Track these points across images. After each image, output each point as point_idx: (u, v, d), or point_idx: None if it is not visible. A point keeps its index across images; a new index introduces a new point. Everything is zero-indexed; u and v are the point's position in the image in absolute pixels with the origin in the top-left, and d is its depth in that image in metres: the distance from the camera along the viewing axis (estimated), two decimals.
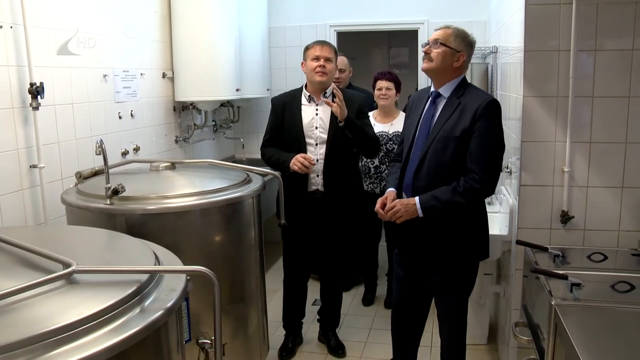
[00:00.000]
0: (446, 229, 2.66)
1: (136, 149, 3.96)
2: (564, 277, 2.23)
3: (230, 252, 2.89)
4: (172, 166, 3.11)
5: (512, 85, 3.31)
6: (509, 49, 3.54)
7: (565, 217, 2.86)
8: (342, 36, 5.81)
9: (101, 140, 2.64)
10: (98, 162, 3.04)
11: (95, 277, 1.60)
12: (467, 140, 2.57)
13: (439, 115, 2.67)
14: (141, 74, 4.04)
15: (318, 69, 3.32)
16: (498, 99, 3.76)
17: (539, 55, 2.80)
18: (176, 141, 4.62)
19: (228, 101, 5.06)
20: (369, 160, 4.18)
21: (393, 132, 4.11)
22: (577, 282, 2.19)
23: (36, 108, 2.93)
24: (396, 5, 5.47)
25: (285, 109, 3.46)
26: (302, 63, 3.45)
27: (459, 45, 2.64)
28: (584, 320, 1.96)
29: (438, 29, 2.69)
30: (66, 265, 1.57)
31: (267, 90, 5.31)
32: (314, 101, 3.43)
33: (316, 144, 3.39)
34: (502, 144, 2.65)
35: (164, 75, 4.38)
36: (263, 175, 3.21)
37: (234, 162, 4.91)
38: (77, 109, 3.35)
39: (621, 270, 2.49)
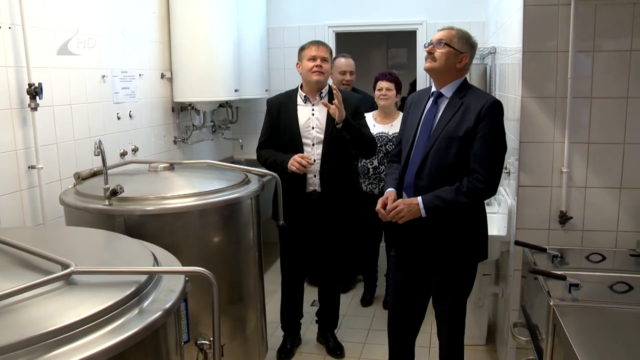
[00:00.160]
0: (446, 229, 2.66)
1: (135, 150, 3.96)
2: (563, 278, 2.24)
3: (228, 253, 2.89)
4: (171, 167, 3.11)
5: (511, 86, 3.31)
6: (507, 49, 3.54)
7: (564, 218, 2.86)
8: (341, 37, 5.81)
9: (100, 141, 2.64)
10: (97, 163, 3.03)
11: (93, 278, 1.59)
12: (470, 141, 2.57)
13: (441, 115, 2.66)
14: (140, 75, 4.04)
15: (315, 69, 3.33)
16: None
17: (537, 56, 2.80)
18: (175, 142, 4.62)
19: (227, 102, 5.06)
20: (367, 160, 4.18)
21: (393, 133, 4.11)
22: (575, 283, 2.19)
23: (34, 109, 2.93)
24: (395, 5, 5.47)
25: (281, 110, 3.45)
26: (297, 64, 3.45)
27: (463, 46, 2.64)
28: (582, 321, 1.96)
29: (441, 30, 2.68)
30: (65, 266, 1.57)
31: (266, 90, 5.31)
32: (310, 101, 3.43)
33: (313, 144, 3.39)
34: (505, 145, 2.66)
35: (162, 76, 4.38)
36: (261, 176, 3.21)
37: (232, 162, 4.91)
38: (76, 110, 3.35)
39: (619, 270, 2.49)
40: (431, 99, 2.74)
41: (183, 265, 1.95)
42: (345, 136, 3.29)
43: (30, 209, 2.99)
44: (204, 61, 4.41)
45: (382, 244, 4.56)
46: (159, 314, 1.51)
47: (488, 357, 3.64)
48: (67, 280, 1.55)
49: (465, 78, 2.73)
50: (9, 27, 2.83)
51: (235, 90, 4.67)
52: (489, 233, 2.82)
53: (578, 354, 1.68)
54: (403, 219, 2.64)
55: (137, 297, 1.53)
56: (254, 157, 3.65)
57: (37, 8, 3.02)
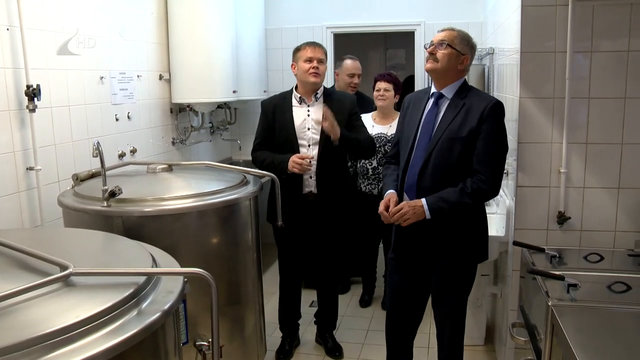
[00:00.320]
0: (446, 230, 2.66)
1: (133, 151, 3.96)
2: (561, 278, 2.24)
3: (227, 254, 2.89)
4: (169, 168, 3.11)
5: (509, 86, 3.32)
6: (505, 50, 3.55)
7: (562, 218, 2.87)
8: (339, 38, 5.82)
9: (98, 142, 2.64)
10: (95, 164, 3.03)
11: (92, 280, 1.59)
12: (473, 141, 2.57)
13: (442, 116, 2.66)
14: (138, 76, 4.04)
15: (312, 70, 3.33)
16: None
17: (535, 57, 2.81)
18: (173, 143, 4.62)
19: (225, 103, 5.06)
20: (367, 161, 4.18)
21: (391, 134, 4.10)
22: (573, 283, 2.20)
23: (33, 110, 2.93)
24: (393, 6, 5.48)
25: (276, 111, 3.45)
26: (292, 65, 3.44)
27: (464, 48, 2.65)
28: (580, 321, 1.96)
29: (442, 30, 2.68)
30: (63, 267, 1.57)
31: (264, 91, 5.31)
32: (305, 102, 3.42)
33: (309, 145, 3.39)
34: (507, 146, 2.66)
35: (160, 77, 4.38)
36: (260, 177, 3.21)
37: (231, 163, 4.91)
38: (74, 111, 3.34)
39: (617, 270, 2.50)
40: (431, 100, 2.73)
41: (182, 266, 1.95)
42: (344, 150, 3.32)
43: (28, 211, 2.99)
44: (202, 62, 4.41)
45: (381, 245, 4.56)
46: (157, 315, 1.51)
47: (487, 357, 3.64)
48: (66, 282, 1.55)
49: (465, 79, 2.73)
50: (7, 29, 2.83)
51: (234, 92, 4.67)
52: (488, 233, 2.82)
53: (576, 354, 1.68)
54: (408, 221, 2.63)
55: (135, 298, 1.53)
56: None
57: (35, 9, 3.02)
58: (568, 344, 1.76)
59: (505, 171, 3.28)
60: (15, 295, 1.41)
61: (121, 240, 2.14)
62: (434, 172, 2.63)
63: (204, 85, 4.45)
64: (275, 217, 3.22)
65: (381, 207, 2.73)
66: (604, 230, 2.85)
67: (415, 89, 5.32)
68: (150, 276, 1.67)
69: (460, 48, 2.63)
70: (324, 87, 3.48)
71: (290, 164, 3.26)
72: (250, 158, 3.58)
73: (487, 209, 2.88)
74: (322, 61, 3.37)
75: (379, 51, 8.10)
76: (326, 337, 3.78)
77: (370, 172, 4.17)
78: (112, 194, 2.56)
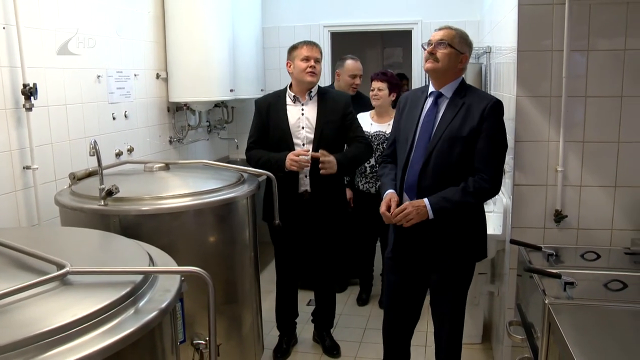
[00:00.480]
0: (445, 229, 2.66)
1: (130, 150, 3.96)
2: (558, 276, 2.24)
3: (224, 253, 2.89)
4: (166, 167, 3.10)
5: (506, 85, 3.32)
6: (502, 49, 3.55)
7: (559, 217, 2.87)
8: (336, 36, 5.81)
9: (95, 141, 2.63)
10: (92, 163, 3.03)
11: (89, 278, 1.59)
12: (473, 140, 2.58)
13: (442, 115, 2.66)
14: (135, 75, 4.03)
15: (309, 70, 3.33)
16: None
17: (532, 55, 2.81)
18: (170, 142, 4.61)
19: (222, 102, 5.06)
20: None
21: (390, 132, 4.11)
22: (570, 281, 2.20)
23: (29, 109, 2.92)
24: (390, 5, 5.48)
25: (270, 110, 3.44)
26: (287, 63, 3.43)
27: (463, 47, 2.65)
28: (577, 319, 1.96)
29: (440, 29, 2.67)
30: (60, 266, 1.56)
31: (262, 90, 5.30)
32: (300, 101, 3.42)
33: (303, 144, 3.38)
34: (507, 144, 2.67)
35: (157, 76, 4.37)
36: (257, 175, 3.21)
37: (228, 162, 4.90)
38: (71, 110, 3.34)
39: (614, 268, 2.51)
40: (430, 99, 2.73)
41: (179, 265, 1.95)
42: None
43: (25, 210, 2.98)
44: (199, 61, 4.41)
45: (378, 243, 4.56)
46: (154, 313, 1.50)
47: (484, 355, 3.65)
48: (63, 281, 1.55)
49: (463, 77, 2.74)
50: (3, 27, 2.83)
51: (231, 90, 4.67)
52: None
53: (573, 352, 1.69)
54: (411, 221, 2.62)
55: (132, 297, 1.53)
56: None
57: (32, 8, 3.01)
58: (565, 342, 1.76)
59: (503, 170, 3.29)
60: (12, 294, 1.41)
61: (118, 239, 2.14)
62: (435, 172, 2.62)
63: (201, 84, 4.45)
64: (271, 216, 3.21)
65: (383, 208, 2.71)
66: (601, 229, 2.85)
67: (412, 87, 5.33)
68: (147, 275, 1.67)
69: (459, 47, 2.63)
70: (318, 85, 3.48)
71: (288, 162, 3.25)
72: None
73: (485, 208, 2.89)
74: (318, 60, 3.37)
75: (377, 50, 8.10)
76: (324, 336, 3.78)
77: (368, 171, 4.17)
78: (109, 193, 2.55)
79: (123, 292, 1.50)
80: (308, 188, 3.41)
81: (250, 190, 2.97)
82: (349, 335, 3.98)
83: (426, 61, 2.67)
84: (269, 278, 4.36)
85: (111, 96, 3.75)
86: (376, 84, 4.13)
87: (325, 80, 5.28)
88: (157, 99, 4.39)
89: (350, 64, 4.42)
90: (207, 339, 1.77)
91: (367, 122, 4.18)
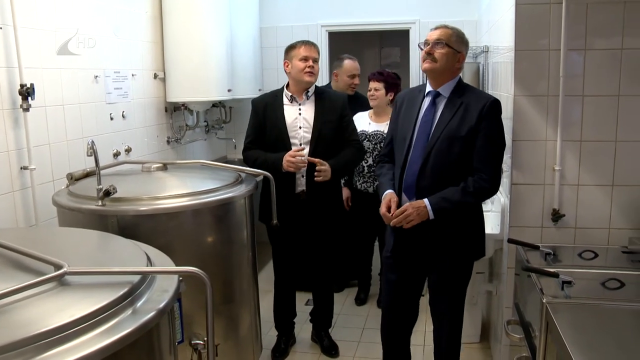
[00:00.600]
0: (444, 228, 2.66)
1: (128, 150, 3.95)
2: (555, 275, 2.25)
3: (222, 253, 2.89)
4: (164, 167, 3.10)
5: (503, 84, 3.33)
6: (499, 48, 3.56)
7: (556, 216, 2.87)
8: (334, 36, 5.81)
9: (92, 141, 2.63)
10: (89, 164, 3.02)
11: (87, 279, 1.59)
12: (472, 140, 2.58)
13: (440, 115, 2.65)
14: (132, 75, 4.03)
15: (307, 70, 3.32)
16: None
17: (529, 55, 2.81)
18: (168, 142, 4.61)
19: (220, 102, 5.05)
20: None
21: None
22: (568, 280, 2.20)
23: (27, 109, 2.91)
24: (388, 5, 5.48)
25: (267, 110, 3.43)
26: (285, 62, 3.42)
27: (460, 46, 2.65)
28: (574, 318, 1.96)
29: (436, 29, 2.67)
30: (57, 267, 1.56)
31: (259, 90, 5.29)
32: (297, 101, 3.42)
33: (300, 144, 3.38)
34: (505, 143, 2.68)
35: (155, 76, 4.37)
36: (255, 175, 3.21)
37: (226, 162, 4.91)
38: (68, 111, 3.34)
39: (611, 267, 2.51)
40: (428, 99, 2.73)
41: (177, 265, 1.94)
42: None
43: (22, 210, 2.98)
44: (197, 61, 4.41)
45: (376, 243, 4.56)
46: (152, 314, 1.50)
47: (482, 354, 3.65)
48: (60, 281, 1.55)
49: (460, 76, 2.74)
50: (0, 28, 2.82)
51: (229, 90, 4.67)
52: None
53: (571, 351, 1.69)
54: (412, 223, 2.62)
55: (130, 297, 1.53)
56: None
57: (29, 8, 3.01)
58: (562, 341, 1.77)
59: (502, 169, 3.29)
60: (10, 294, 1.41)
61: (116, 240, 2.14)
62: (433, 172, 2.62)
63: (198, 84, 4.44)
64: (268, 216, 3.21)
65: (383, 209, 2.71)
66: (598, 228, 2.86)
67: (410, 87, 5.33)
68: (145, 275, 1.66)
69: (456, 46, 2.63)
70: (315, 85, 3.47)
71: (285, 163, 3.25)
72: None
73: (483, 207, 2.89)
74: (316, 60, 3.37)
75: (374, 50, 8.09)
76: (322, 336, 3.78)
77: (366, 170, 4.17)
78: (107, 193, 2.55)
79: (121, 293, 1.50)
80: (304, 188, 3.40)
81: (248, 190, 2.97)
82: (348, 335, 3.98)
83: (424, 61, 2.66)
84: (267, 278, 4.36)
85: (109, 96, 3.75)
86: (373, 84, 4.13)
87: (322, 80, 5.28)
88: (154, 99, 4.39)
89: (349, 63, 4.41)
90: (205, 339, 1.77)
91: (366, 121, 4.19)
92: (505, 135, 3.07)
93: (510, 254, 2.98)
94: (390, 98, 4.13)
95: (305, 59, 3.33)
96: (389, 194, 2.74)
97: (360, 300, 4.55)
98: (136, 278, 1.61)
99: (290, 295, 3.72)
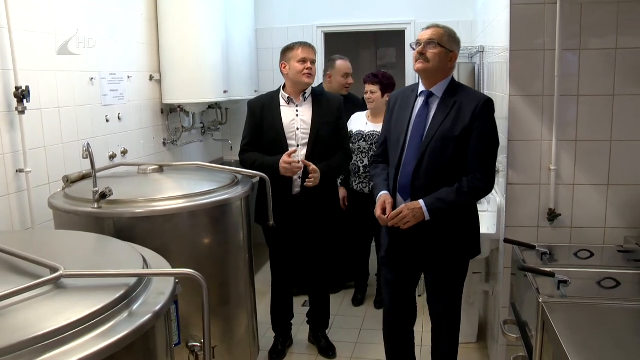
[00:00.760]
0: (439, 228, 2.66)
1: (124, 152, 3.95)
2: (551, 275, 2.25)
3: (219, 255, 2.88)
4: (160, 169, 3.10)
5: (499, 84, 3.33)
6: (495, 48, 3.56)
7: (552, 215, 2.88)
8: (329, 37, 5.82)
9: (88, 143, 2.63)
10: (85, 166, 3.02)
11: (83, 282, 1.59)
12: (466, 139, 2.58)
13: (434, 115, 2.65)
14: (128, 77, 4.02)
15: (306, 71, 3.32)
16: None
17: (524, 55, 2.82)
18: (164, 144, 4.60)
19: (216, 103, 5.05)
20: (358, 159, 4.18)
21: None
22: (564, 279, 2.21)
23: (22, 112, 2.91)
24: (383, 5, 5.48)
25: (264, 111, 3.42)
26: (282, 64, 3.41)
27: (452, 45, 2.65)
28: (571, 317, 1.97)
29: (427, 28, 2.67)
30: (53, 270, 1.56)
31: (255, 91, 5.29)
32: (294, 103, 3.42)
33: (297, 145, 3.37)
34: (499, 142, 2.68)
35: (151, 78, 4.37)
36: (251, 177, 3.20)
37: (222, 164, 4.91)
38: (64, 113, 3.33)
39: (607, 266, 2.52)
40: (421, 99, 2.73)
41: (173, 267, 1.94)
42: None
43: (18, 213, 2.97)
44: (193, 63, 4.40)
45: (373, 243, 4.56)
46: (148, 316, 1.50)
47: (479, 354, 3.66)
48: (56, 284, 1.55)
49: (453, 76, 2.74)
50: None
51: (225, 92, 4.67)
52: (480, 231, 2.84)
53: (567, 350, 1.69)
54: (408, 224, 2.62)
55: (126, 300, 1.53)
56: None
57: (24, 10, 3.00)
58: (559, 340, 1.77)
59: (496, 169, 3.30)
60: (5, 298, 1.41)
61: (112, 242, 2.13)
62: (428, 172, 2.62)
63: (194, 86, 4.44)
64: (264, 217, 3.21)
65: (378, 211, 2.71)
66: (594, 227, 2.87)
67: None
68: (141, 277, 1.66)
69: (448, 46, 2.63)
70: (312, 87, 3.48)
71: (282, 169, 3.25)
72: None
73: (479, 207, 2.90)
74: (314, 62, 3.38)
75: (370, 50, 8.09)
76: (319, 337, 3.78)
77: (362, 171, 4.17)
78: (103, 196, 2.55)
79: (117, 295, 1.50)
80: (301, 189, 3.40)
81: (244, 191, 2.96)
82: (345, 336, 3.98)
83: (416, 61, 2.66)
84: (264, 279, 4.36)
85: (104, 98, 3.74)
86: (368, 87, 4.13)
87: (318, 81, 5.28)
88: (150, 101, 4.38)
89: (341, 64, 4.41)
90: (202, 341, 1.77)
91: (363, 121, 4.19)
92: (501, 135, 3.07)
93: (506, 253, 2.99)
94: (387, 99, 4.14)
95: (304, 60, 3.32)
96: (383, 196, 2.74)
97: (358, 301, 4.55)
98: (132, 280, 1.61)
99: (287, 297, 3.72)
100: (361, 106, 4.34)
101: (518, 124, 2.87)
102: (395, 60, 7.75)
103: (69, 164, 3.31)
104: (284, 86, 3.46)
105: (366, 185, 4.18)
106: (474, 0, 5.12)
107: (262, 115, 3.42)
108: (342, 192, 4.22)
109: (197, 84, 4.44)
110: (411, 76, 5.51)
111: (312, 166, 3.27)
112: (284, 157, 3.25)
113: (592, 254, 2.66)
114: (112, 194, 2.56)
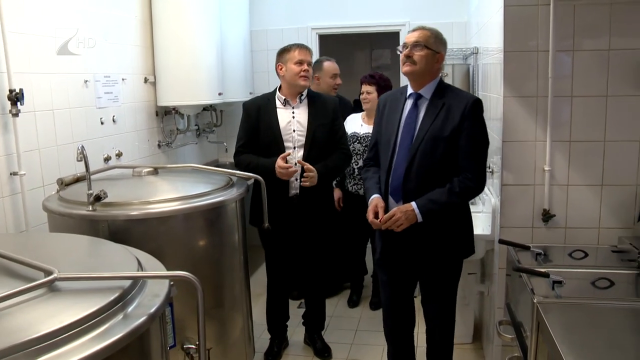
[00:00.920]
0: (432, 228, 2.66)
1: (118, 155, 3.94)
2: (546, 275, 2.26)
3: (214, 257, 2.88)
4: (155, 171, 3.10)
5: (493, 85, 3.34)
6: (489, 49, 3.57)
7: (547, 216, 2.89)
8: (324, 39, 5.82)
9: (82, 146, 2.62)
10: (80, 169, 3.01)
11: (77, 284, 1.58)
12: (455, 140, 2.59)
13: (423, 117, 2.66)
14: (122, 79, 4.02)
15: (303, 73, 3.32)
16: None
17: (518, 56, 2.83)
18: (159, 146, 4.60)
19: (211, 105, 5.04)
20: (353, 161, 4.18)
21: None
22: (558, 280, 2.22)
23: (16, 115, 2.90)
24: (377, 7, 5.49)
25: (260, 112, 3.42)
26: (278, 66, 3.40)
27: (438, 46, 2.66)
28: (565, 317, 1.98)
29: (413, 31, 2.68)
30: (48, 272, 1.56)
31: (250, 93, 5.29)
32: (290, 104, 3.42)
33: (294, 147, 3.38)
34: (488, 141, 2.70)
35: (145, 80, 4.36)
36: (246, 179, 3.20)
37: (217, 166, 4.89)
38: (58, 115, 3.32)
39: (601, 267, 2.52)
40: (409, 101, 2.73)
41: (168, 269, 1.94)
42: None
43: (12, 216, 2.96)
44: (187, 64, 4.40)
45: (369, 245, 4.56)
46: (143, 318, 1.50)
47: (474, 355, 3.66)
48: (51, 287, 1.54)
49: (441, 77, 2.75)
50: None
51: (219, 94, 4.66)
52: (474, 232, 2.84)
53: (561, 350, 1.70)
54: (401, 227, 2.62)
55: (121, 302, 1.53)
56: None
57: (18, 13, 2.99)
58: (553, 341, 1.78)
59: (490, 170, 3.31)
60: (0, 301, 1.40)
61: (107, 245, 2.13)
62: (419, 173, 2.63)
63: (189, 88, 4.43)
64: (259, 219, 3.20)
65: (370, 216, 2.71)
66: (588, 227, 2.88)
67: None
68: (135, 280, 1.66)
69: (435, 47, 2.64)
70: (308, 89, 3.48)
71: (278, 174, 3.25)
72: None
73: (473, 208, 2.91)
74: (310, 64, 3.38)
75: (365, 52, 8.11)
76: (315, 338, 3.78)
77: (357, 172, 4.17)
78: (98, 198, 2.54)
79: (111, 298, 1.50)
80: (298, 191, 3.40)
81: (239, 193, 2.96)
82: (340, 337, 3.98)
83: (403, 64, 2.67)
84: (259, 281, 4.36)
85: (99, 101, 3.73)
86: (365, 87, 4.14)
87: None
88: (145, 103, 4.37)
89: (329, 65, 4.39)
90: (197, 343, 1.77)
91: (358, 123, 4.20)
92: (495, 136, 3.09)
93: (501, 254, 3.00)
94: None
95: (300, 62, 3.32)
96: (374, 199, 2.74)
97: (353, 303, 4.55)
98: (127, 283, 1.60)
99: (283, 299, 3.72)
100: (351, 109, 4.34)
101: (512, 125, 2.88)
102: (390, 62, 7.77)
103: (63, 167, 3.30)
104: (280, 88, 3.46)
105: (361, 187, 4.18)
106: (468, 2, 5.13)
107: (258, 117, 3.42)
108: (337, 193, 4.22)
109: (191, 86, 4.43)
110: (405, 78, 5.52)
111: (308, 166, 3.27)
112: (279, 162, 3.24)
113: (586, 254, 2.67)
114: (107, 196, 2.55)
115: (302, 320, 3.87)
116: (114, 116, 3.90)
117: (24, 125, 3.01)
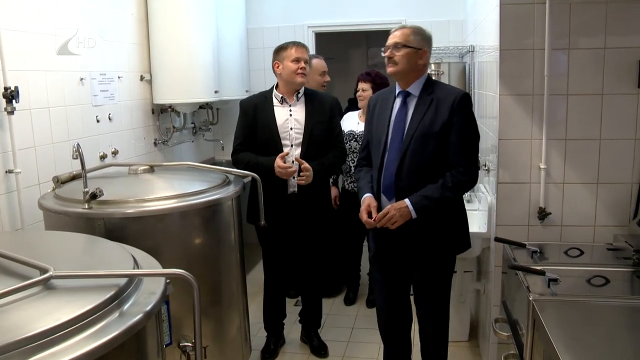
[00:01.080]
0: (426, 224, 2.66)
1: (115, 153, 3.93)
2: (542, 273, 2.26)
3: (210, 255, 2.88)
4: (151, 169, 3.09)
5: (489, 83, 3.35)
6: (485, 48, 3.58)
7: (543, 214, 2.89)
8: (320, 37, 5.82)
9: (78, 144, 2.61)
10: (76, 167, 3.00)
11: (73, 282, 1.58)
12: (446, 135, 2.59)
13: (413, 114, 2.67)
14: (119, 77, 4.01)
15: (300, 71, 3.32)
16: (475, 98, 3.82)
17: (514, 54, 2.83)
18: (155, 144, 4.59)
19: (207, 103, 5.04)
20: (349, 159, 4.18)
21: None
22: (554, 278, 2.22)
23: (11, 112, 2.89)
24: (374, 5, 5.49)
25: (257, 110, 3.42)
26: (275, 63, 3.40)
27: (420, 42, 2.65)
28: (561, 315, 1.98)
29: (395, 30, 2.69)
30: (43, 270, 1.55)
31: (246, 91, 5.28)
32: (287, 102, 3.41)
33: (292, 145, 3.38)
34: (479, 135, 2.71)
35: (141, 78, 4.35)
36: (242, 177, 3.20)
37: (213, 164, 4.90)
38: (54, 113, 3.31)
39: (597, 264, 2.53)
40: (398, 99, 2.74)
41: (164, 267, 1.94)
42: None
43: (8, 214, 2.96)
44: (184, 62, 4.39)
45: (365, 243, 4.56)
46: (139, 316, 1.50)
47: (470, 353, 3.67)
48: (46, 285, 1.54)
49: (429, 73, 2.75)
50: None
51: (215, 92, 4.66)
52: (470, 230, 2.85)
53: (557, 348, 1.70)
54: (396, 224, 2.62)
55: (117, 300, 1.53)
56: None
57: (12, 11, 2.98)
58: (549, 338, 1.78)
59: (486, 168, 3.31)
60: None
61: (102, 243, 2.13)
62: (411, 171, 2.64)
63: (185, 86, 4.42)
64: (257, 217, 3.20)
65: (364, 216, 2.71)
66: (584, 225, 2.88)
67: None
68: (131, 278, 1.66)
69: (416, 44, 2.64)
70: (305, 87, 3.47)
71: (277, 173, 3.25)
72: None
73: (469, 206, 2.91)
74: (307, 61, 3.37)
75: (361, 50, 8.10)
76: (311, 336, 3.78)
77: (353, 170, 4.17)
78: (93, 196, 2.54)
79: (107, 296, 1.50)
80: (296, 189, 3.40)
81: (235, 191, 2.96)
82: (337, 335, 3.99)
83: (386, 66, 2.68)
84: (255, 279, 4.36)
85: (95, 99, 3.72)
86: (361, 85, 4.15)
87: None
88: (141, 101, 4.37)
89: (317, 62, 4.36)
90: (194, 341, 1.77)
91: (355, 121, 4.20)
92: (491, 134, 3.10)
93: (497, 252, 3.00)
94: None
95: (297, 60, 3.32)
96: (367, 199, 2.75)
97: (350, 300, 4.55)
98: (123, 281, 1.60)
99: (279, 296, 3.72)
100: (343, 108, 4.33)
101: (508, 123, 2.89)
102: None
103: (59, 165, 3.30)
104: (277, 86, 3.46)
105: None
106: (464, 0, 5.13)
107: (255, 115, 3.41)
108: (334, 191, 4.23)
109: (188, 84, 4.43)
110: None
111: (305, 165, 3.27)
112: (278, 162, 3.24)
113: (581, 252, 2.68)
114: (103, 194, 2.55)
115: (299, 318, 3.88)
116: (110, 114, 3.89)
117: (20, 123, 3.00)
